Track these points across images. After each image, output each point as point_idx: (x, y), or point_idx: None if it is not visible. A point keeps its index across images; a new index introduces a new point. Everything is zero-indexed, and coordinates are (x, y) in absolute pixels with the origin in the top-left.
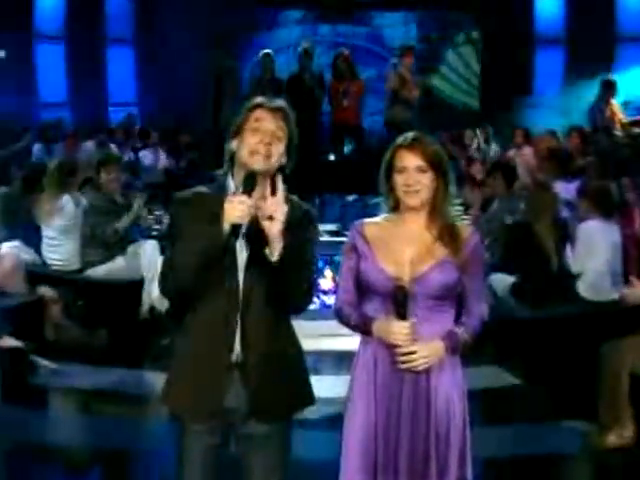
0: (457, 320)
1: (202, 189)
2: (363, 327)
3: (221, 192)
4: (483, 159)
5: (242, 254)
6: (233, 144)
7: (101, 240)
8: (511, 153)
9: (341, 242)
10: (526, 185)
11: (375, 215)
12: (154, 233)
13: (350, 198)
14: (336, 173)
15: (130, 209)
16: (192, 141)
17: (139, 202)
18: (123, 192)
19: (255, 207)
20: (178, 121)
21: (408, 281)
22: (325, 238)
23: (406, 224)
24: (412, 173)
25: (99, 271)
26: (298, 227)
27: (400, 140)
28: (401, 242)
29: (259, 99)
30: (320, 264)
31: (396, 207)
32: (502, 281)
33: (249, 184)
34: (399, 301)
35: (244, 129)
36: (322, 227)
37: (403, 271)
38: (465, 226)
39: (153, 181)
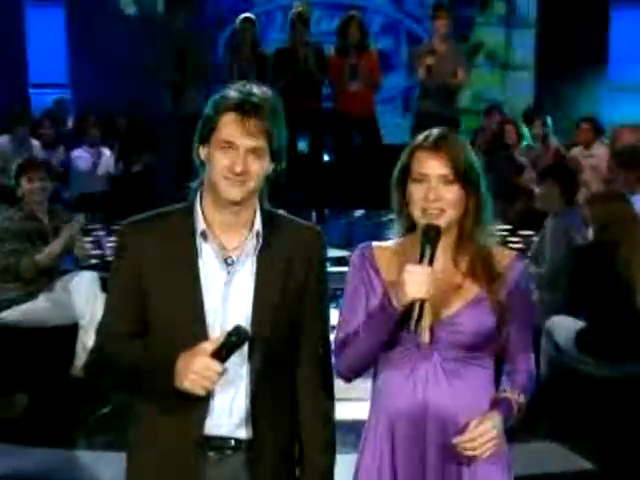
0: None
1: (165, 212)
2: (381, 314)
3: (189, 219)
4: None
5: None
6: (202, 152)
7: (16, 273)
8: (575, 152)
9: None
10: (595, 195)
11: (389, 236)
12: (92, 261)
13: (358, 213)
14: (340, 181)
15: (59, 232)
16: (145, 137)
17: (74, 227)
18: (50, 208)
19: None
20: (126, 110)
21: (431, 327)
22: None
23: None
24: (434, 184)
25: (16, 314)
26: (307, 279)
27: (421, 139)
28: None
29: (231, 95)
30: None
31: (412, 228)
32: (565, 326)
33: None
34: (430, 239)
35: (212, 138)
36: None
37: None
38: (504, 251)
39: (91, 190)
